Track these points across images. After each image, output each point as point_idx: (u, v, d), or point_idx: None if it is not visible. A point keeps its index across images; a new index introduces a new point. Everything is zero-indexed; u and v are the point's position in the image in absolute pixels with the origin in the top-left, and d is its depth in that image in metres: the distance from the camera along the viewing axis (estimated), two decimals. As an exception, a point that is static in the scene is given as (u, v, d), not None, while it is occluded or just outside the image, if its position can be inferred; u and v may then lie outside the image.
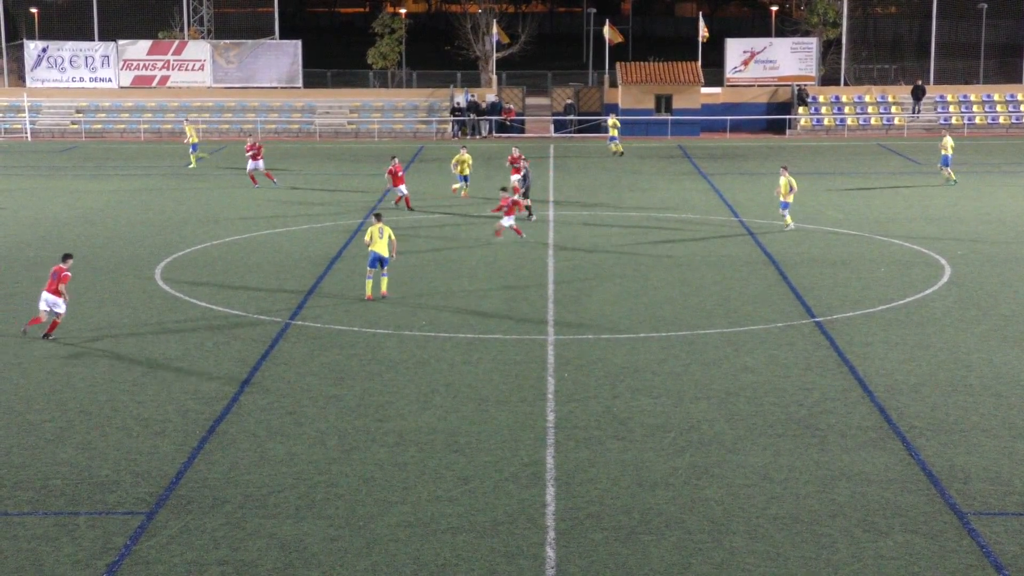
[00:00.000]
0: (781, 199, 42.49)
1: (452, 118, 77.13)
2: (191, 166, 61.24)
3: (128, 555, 17.36)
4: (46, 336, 28.84)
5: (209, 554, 17.43)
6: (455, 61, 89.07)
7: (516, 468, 20.62)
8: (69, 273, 29.06)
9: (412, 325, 29.86)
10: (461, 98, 78.07)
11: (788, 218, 42.67)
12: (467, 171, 49.70)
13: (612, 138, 66.80)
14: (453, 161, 50.17)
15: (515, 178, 46.75)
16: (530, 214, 44.25)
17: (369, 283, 32.12)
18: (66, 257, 29.41)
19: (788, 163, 50.09)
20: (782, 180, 42.28)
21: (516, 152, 48.40)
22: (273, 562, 17.21)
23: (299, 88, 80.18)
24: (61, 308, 28.81)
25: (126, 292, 33.60)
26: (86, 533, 18.11)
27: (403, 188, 46.87)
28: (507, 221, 39.61)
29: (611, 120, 67.82)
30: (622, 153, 66.24)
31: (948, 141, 53.63)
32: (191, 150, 62.26)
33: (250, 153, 53.52)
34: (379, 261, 31.87)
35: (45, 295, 28.71)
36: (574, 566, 17.08)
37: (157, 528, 18.27)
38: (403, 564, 17.15)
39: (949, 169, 53.60)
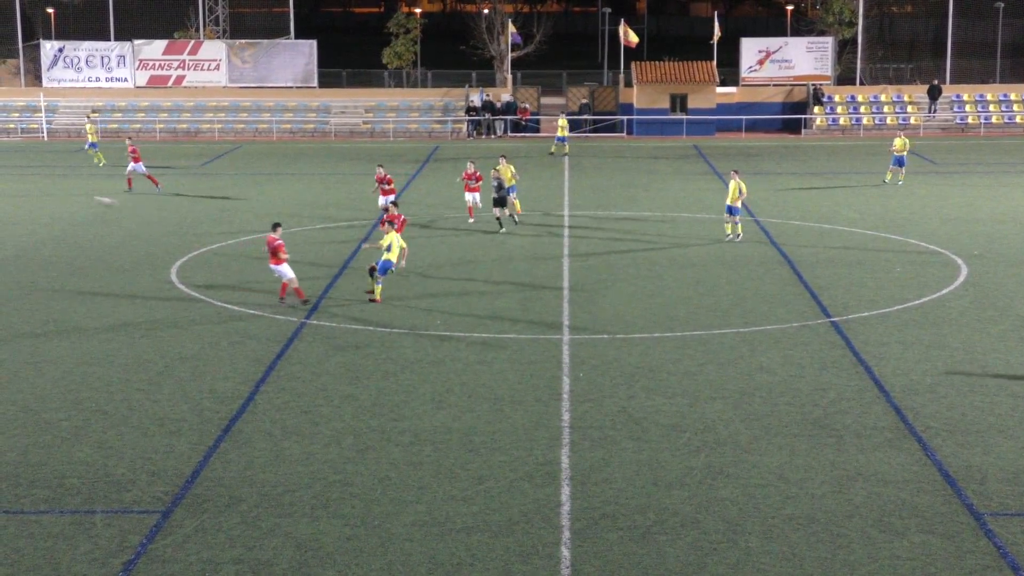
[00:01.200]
0: (728, 203, 40.22)
1: (467, 118, 77.15)
2: (101, 164, 60.78)
3: (144, 554, 17.40)
4: (282, 300, 31.63)
5: (225, 553, 17.47)
6: (470, 61, 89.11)
7: (531, 468, 20.62)
8: (280, 240, 31.24)
9: (427, 325, 29.87)
10: (476, 97, 78.09)
11: (738, 227, 40.45)
12: (513, 182, 44.56)
13: (560, 139, 66.85)
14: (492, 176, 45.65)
15: (469, 196, 43.85)
16: (501, 224, 42.34)
17: (379, 288, 32.06)
18: (275, 226, 31.68)
19: (804, 162, 50.01)
20: (732, 184, 39.95)
21: (471, 168, 44.41)
22: (288, 561, 17.24)
23: (314, 88, 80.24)
24: (287, 275, 31.22)
25: (142, 291, 33.66)
26: (102, 532, 18.15)
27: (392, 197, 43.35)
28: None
29: (561, 121, 67.92)
30: (566, 154, 65.99)
31: (900, 142, 53.28)
32: (90, 147, 61.37)
33: (132, 155, 52.80)
34: (388, 268, 31.91)
35: (272, 268, 31.34)
36: (589, 566, 17.07)
37: (173, 527, 18.31)
38: (418, 563, 17.16)
39: (901, 169, 53.20)
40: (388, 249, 31.96)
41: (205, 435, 22.18)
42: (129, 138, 58.49)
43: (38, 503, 19.26)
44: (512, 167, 44.53)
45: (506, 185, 43.04)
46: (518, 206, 43.98)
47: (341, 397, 24.39)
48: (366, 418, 23.18)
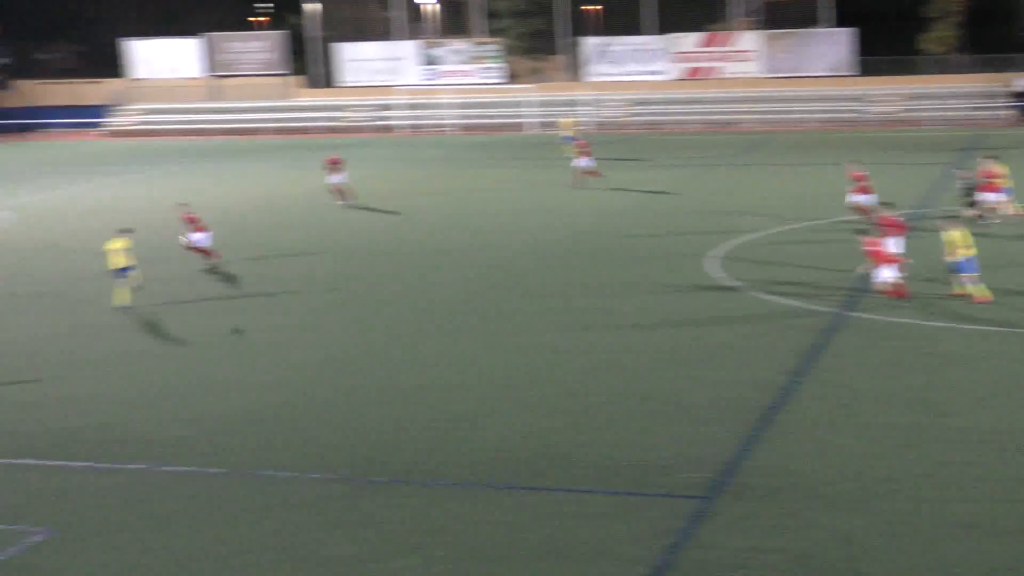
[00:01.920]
0: None
1: (1012, 103, 73.63)
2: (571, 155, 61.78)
3: (686, 538, 17.70)
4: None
5: (767, 542, 17.48)
6: (1017, 43, 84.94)
7: (1088, 473, 19.46)
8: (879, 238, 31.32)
9: (971, 318, 28.74)
10: (1022, 82, 74.50)
11: None
12: (1006, 184, 40.92)
13: None
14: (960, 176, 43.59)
15: (991, 196, 39.81)
16: (981, 216, 39.64)
17: (977, 287, 30.52)
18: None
19: None
20: None
21: (995, 166, 40.31)
22: (830, 554, 17.02)
23: (852, 76, 79.11)
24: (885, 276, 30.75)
25: (679, 279, 34.28)
26: (645, 514, 18.61)
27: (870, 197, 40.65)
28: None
29: None
30: None
31: None
32: (565, 140, 63.51)
33: (581, 149, 53.46)
34: (967, 267, 30.64)
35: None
36: None
37: (714, 513, 18.52)
38: (969, 566, 16.47)
39: None
40: (964, 246, 30.56)
41: (744, 424, 22.31)
42: (574, 135, 60.04)
43: (585, 482, 19.99)
44: (1006, 167, 41.42)
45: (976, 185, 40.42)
46: (1014, 208, 40.93)
47: (882, 391, 23.89)
48: (908, 413, 22.60)
